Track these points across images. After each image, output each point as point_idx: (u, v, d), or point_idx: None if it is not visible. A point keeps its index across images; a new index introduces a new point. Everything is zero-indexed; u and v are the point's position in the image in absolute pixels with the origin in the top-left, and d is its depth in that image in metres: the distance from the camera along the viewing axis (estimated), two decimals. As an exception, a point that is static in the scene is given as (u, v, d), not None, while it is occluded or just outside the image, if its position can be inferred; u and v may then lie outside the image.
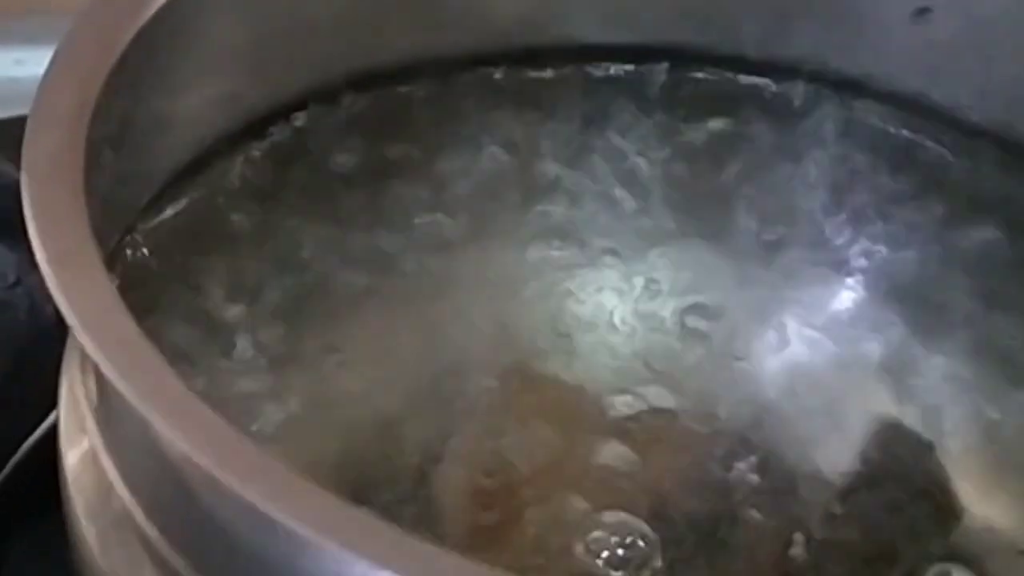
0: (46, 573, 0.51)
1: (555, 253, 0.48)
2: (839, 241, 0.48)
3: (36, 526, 0.51)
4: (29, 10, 0.67)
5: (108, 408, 0.39)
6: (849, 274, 0.48)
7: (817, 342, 0.47)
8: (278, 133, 0.47)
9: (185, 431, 0.33)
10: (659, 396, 0.45)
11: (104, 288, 0.36)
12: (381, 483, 0.42)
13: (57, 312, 0.53)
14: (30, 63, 0.67)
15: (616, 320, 0.47)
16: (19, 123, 0.62)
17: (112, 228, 0.42)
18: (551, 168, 0.49)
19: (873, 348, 0.47)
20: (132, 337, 0.35)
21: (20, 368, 0.52)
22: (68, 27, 0.41)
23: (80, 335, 0.34)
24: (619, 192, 0.49)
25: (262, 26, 0.45)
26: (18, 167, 0.54)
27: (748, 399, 0.46)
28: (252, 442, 0.33)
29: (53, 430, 0.51)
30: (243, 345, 0.43)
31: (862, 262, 0.48)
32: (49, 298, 0.53)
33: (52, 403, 0.52)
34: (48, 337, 0.53)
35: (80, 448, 0.40)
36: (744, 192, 0.49)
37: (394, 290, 0.47)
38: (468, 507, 0.41)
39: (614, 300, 0.47)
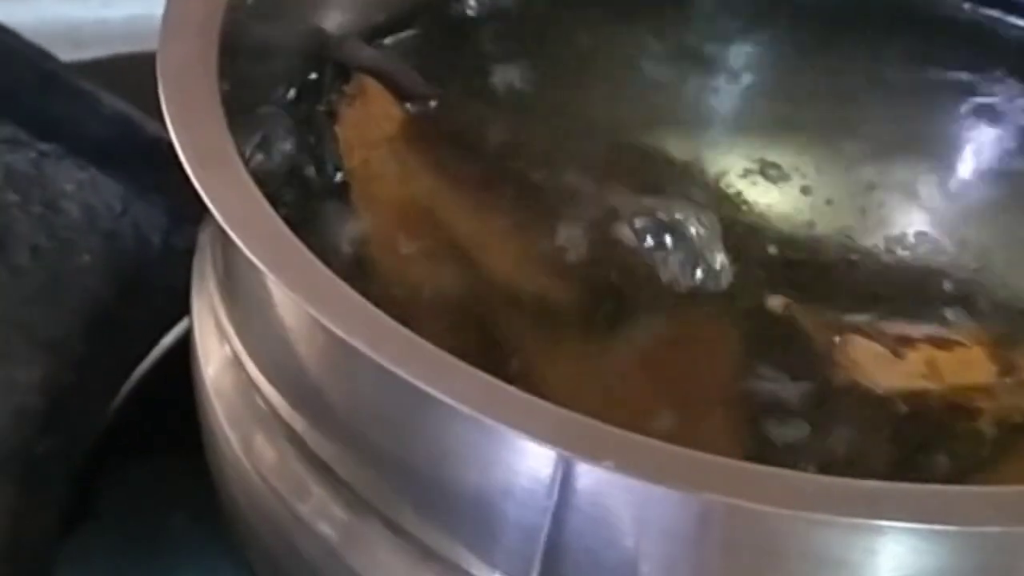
0: (166, 493, 0.52)
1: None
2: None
3: (153, 450, 0.53)
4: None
5: (250, 309, 0.40)
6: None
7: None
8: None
9: (337, 315, 0.34)
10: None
11: (243, 181, 0.37)
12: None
13: (164, 239, 0.55)
14: (118, 4, 0.68)
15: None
16: (113, 61, 0.64)
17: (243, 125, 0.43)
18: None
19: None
20: (277, 230, 0.36)
21: (128, 295, 0.53)
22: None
23: (229, 230, 0.36)
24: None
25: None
26: (122, 102, 0.56)
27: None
28: (402, 325, 0.34)
29: (167, 355, 0.53)
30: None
31: None
32: (154, 226, 0.56)
33: (162, 329, 0.54)
34: (154, 265, 0.54)
35: (220, 357, 0.42)
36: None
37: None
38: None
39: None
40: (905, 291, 0.44)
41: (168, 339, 0.53)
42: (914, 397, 0.41)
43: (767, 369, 0.41)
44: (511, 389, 0.33)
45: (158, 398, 0.52)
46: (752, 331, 0.43)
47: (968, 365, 0.42)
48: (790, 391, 0.41)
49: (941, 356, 0.42)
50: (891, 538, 0.32)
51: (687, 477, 0.32)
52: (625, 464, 0.32)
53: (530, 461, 0.34)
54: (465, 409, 0.33)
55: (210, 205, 0.36)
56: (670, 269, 0.44)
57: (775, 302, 0.43)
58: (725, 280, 0.43)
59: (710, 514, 0.33)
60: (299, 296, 0.35)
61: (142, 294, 0.54)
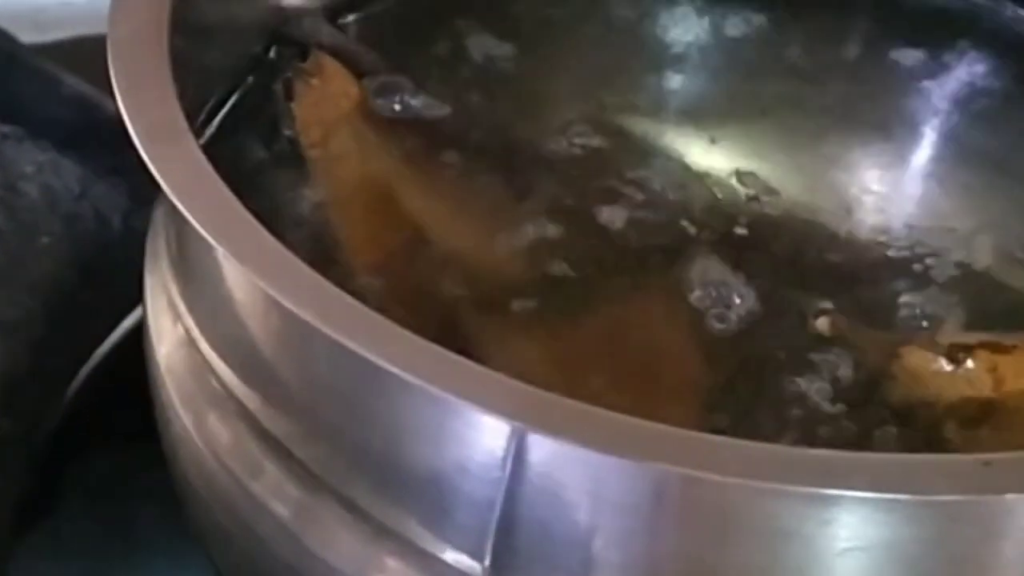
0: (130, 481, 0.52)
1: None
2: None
3: (114, 436, 0.53)
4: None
5: (202, 286, 0.40)
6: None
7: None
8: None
9: (285, 286, 0.34)
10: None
11: (194, 156, 0.37)
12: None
13: (124, 221, 0.55)
14: (83, -14, 0.68)
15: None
16: (77, 43, 0.64)
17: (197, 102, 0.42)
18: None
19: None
20: (227, 203, 0.36)
21: (88, 277, 0.53)
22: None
23: (178, 202, 0.35)
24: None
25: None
26: (82, 84, 0.56)
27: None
28: (352, 297, 0.34)
29: (126, 338, 0.53)
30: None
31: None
32: (115, 208, 0.55)
33: (121, 311, 0.53)
34: (114, 247, 0.54)
35: (173, 336, 0.42)
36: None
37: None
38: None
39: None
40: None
41: (128, 322, 0.53)
42: (978, 404, 0.40)
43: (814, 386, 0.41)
44: (462, 360, 0.33)
45: (118, 382, 0.52)
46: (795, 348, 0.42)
47: None
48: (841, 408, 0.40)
49: (1002, 361, 0.41)
50: (845, 509, 0.32)
51: (636, 446, 0.31)
52: (574, 433, 0.32)
53: (482, 434, 0.34)
54: (414, 379, 0.33)
55: (159, 178, 0.36)
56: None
57: (822, 323, 0.42)
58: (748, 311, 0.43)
59: (663, 486, 0.33)
60: (247, 268, 0.35)
61: (102, 276, 0.53)
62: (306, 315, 0.34)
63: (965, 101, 0.50)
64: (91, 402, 0.52)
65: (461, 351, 0.38)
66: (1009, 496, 0.30)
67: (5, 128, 0.54)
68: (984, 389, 0.40)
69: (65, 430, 0.52)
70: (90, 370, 0.53)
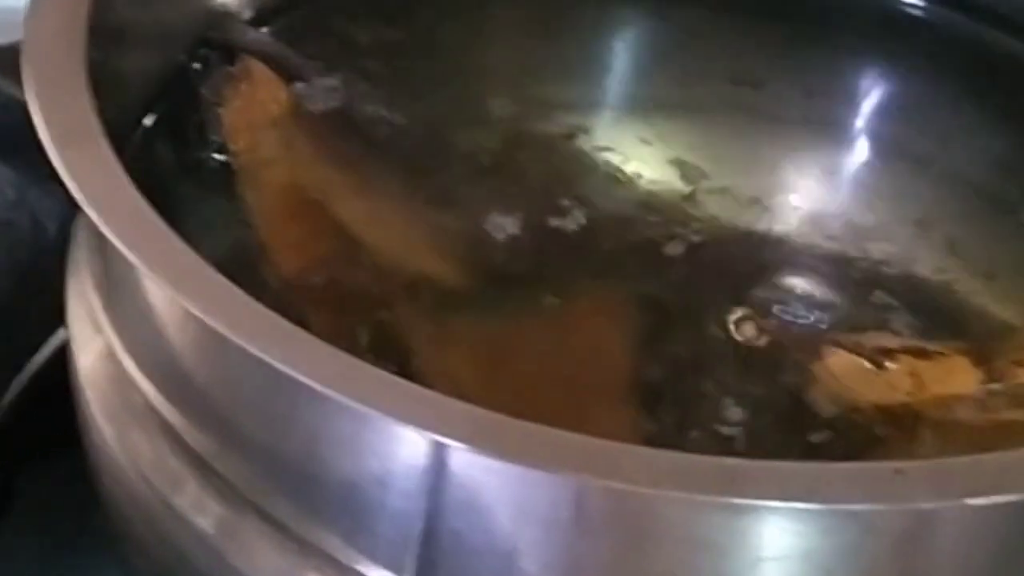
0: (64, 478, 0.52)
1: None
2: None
3: (49, 444, 0.52)
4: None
5: (122, 298, 0.40)
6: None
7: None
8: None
9: (196, 294, 0.34)
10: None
11: (108, 162, 0.37)
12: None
13: (61, 228, 0.55)
14: (21, -9, 0.67)
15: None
16: (11, 49, 0.63)
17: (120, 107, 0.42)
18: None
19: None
20: (140, 210, 0.36)
21: (24, 285, 0.53)
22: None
23: (88, 208, 0.35)
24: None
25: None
26: (18, 88, 0.56)
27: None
28: (277, 306, 0.34)
29: (62, 347, 0.52)
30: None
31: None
32: (51, 215, 0.55)
33: (57, 320, 0.53)
34: (51, 254, 0.54)
35: (94, 348, 0.41)
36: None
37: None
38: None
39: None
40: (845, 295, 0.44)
41: (64, 331, 0.53)
42: (897, 408, 0.40)
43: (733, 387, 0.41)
44: (377, 371, 0.33)
45: (53, 391, 0.51)
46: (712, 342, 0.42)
47: (951, 374, 0.41)
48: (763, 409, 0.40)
49: (923, 366, 0.41)
50: (758, 518, 0.32)
51: (544, 456, 0.31)
52: (485, 443, 0.31)
53: (401, 446, 0.34)
54: (329, 392, 0.32)
55: (69, 184, 0.36)
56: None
57: (745, 324, 0.42)
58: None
59: (579, 496, 0.33)
60: (157, 275, 0.34)
61: (38, 284, 0.53)
62: (216, 324, 0.33)
63: (909, 105, 0.50)
64: (25, 412, 0.52)
65: (395, 360, 0.38)
66: (921, 505, 0.30)
67: (-61, 135, 0.54)
68: (903, 393, 0.40)
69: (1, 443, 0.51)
70: (25, 379, 0.52)
